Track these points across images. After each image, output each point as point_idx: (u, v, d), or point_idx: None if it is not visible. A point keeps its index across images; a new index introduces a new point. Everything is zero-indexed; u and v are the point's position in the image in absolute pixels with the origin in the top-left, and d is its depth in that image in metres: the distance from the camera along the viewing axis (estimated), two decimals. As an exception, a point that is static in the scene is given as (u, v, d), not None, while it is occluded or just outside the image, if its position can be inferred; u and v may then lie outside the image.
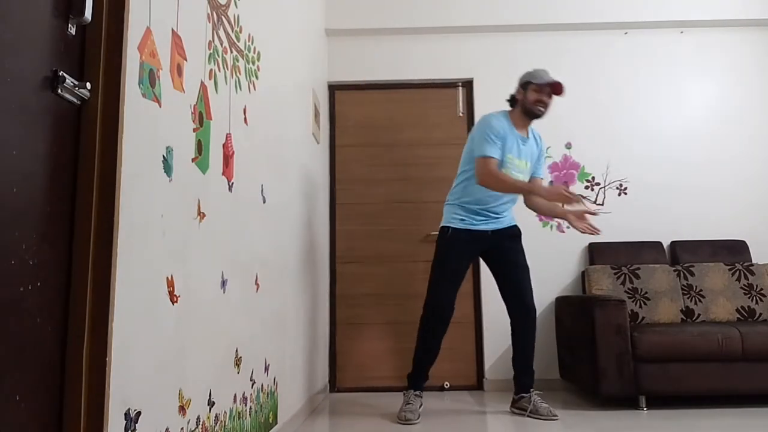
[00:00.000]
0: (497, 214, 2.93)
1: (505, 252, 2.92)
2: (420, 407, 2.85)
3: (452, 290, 2.85)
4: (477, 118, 3.89)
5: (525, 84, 2.92)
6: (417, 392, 2.89)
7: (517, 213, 3.83)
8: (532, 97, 2.87)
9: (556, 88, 2.86)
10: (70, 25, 1.10)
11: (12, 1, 0.94)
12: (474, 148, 2.87)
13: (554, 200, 2.85)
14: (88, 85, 1.11)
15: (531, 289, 2.91)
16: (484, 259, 3.01)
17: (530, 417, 2.81)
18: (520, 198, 3.05)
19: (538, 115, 2.91)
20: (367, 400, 3.42)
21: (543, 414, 2.78)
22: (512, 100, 2.98)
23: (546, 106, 2.89)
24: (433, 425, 2.71)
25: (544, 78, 2.86)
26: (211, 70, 1.67)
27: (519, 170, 2.91)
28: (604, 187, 3.90)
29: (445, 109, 4.01)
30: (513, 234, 2.97)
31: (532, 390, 2.89)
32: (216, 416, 1.63)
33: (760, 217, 3.84)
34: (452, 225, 2.90)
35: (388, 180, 3.93)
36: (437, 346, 2.88)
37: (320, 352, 3.47)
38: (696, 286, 3.50)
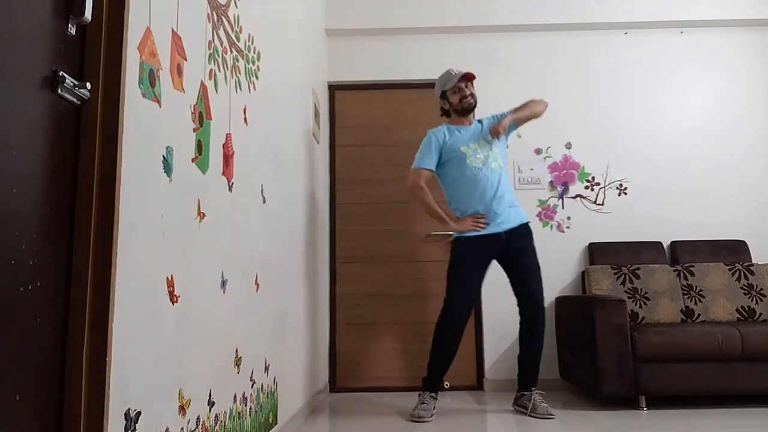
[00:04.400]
0: (498, 213, 2.94)
1: (517, 253, 2.94)
2: (434, 410, 2.88)
3: (463, 298, 2.87)
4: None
5: (442, 95, 3.15)
6: (432, 394, 2.92)
7: (517, 213, 3.86)
8: (455, 99, 3.09)
9: (467, 77, 3.06)
10: (70, 25, 1.10)
11: (12, 1, 0.94)
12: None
13: (462, 230, 2.96)
14: (88, 85, 1.11)
15: (541, 288, 2.92)
16: (499, 263, 3.00)
17: (531, 416, 2.82)
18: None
19: (471, 106, 3.08)
20: (367, 400, 3.42)
21: (539, 413, 2.80)
22: (444, 113, 3.18)
23: (471, 95, 3.09)
24: (434, 425, 2.71)
25: (453, 80, 3.07)
26: (211, 70, 1.67)
27: (479, 151, 3.00)
28: (604, 187, 3.90)
29: (445, 109, 4.01)
30: (524, 233, 2.98)
31: (533, 389, 2.90)
32: (216, 416, 1.63)
33: (761, 216, 3.84)
34: (462, 235, 2.97)
35: (388, 180, 3.93)
36: (452, 352, 2.90)
37: (320, 352, 3.47)
38: (696, 286, 3.49)
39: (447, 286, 2.92)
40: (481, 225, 2.92)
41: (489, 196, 2.94)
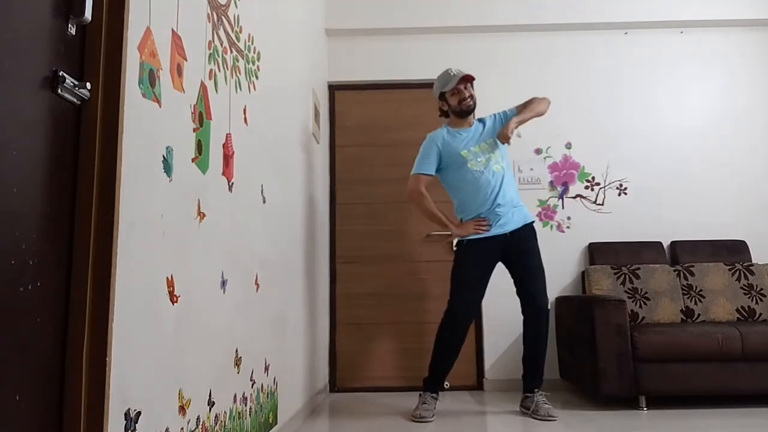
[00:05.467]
0: (500, 215, 2.91)
1: (521, 255, 2.92)
2: (435, 409, 2.87)
3: (465, 301, 2.86)
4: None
5: (441, 96, 3.09)
6: (433, 394, 2.91)
7: (517, 213, 3.86)
8: (454, 101, 3.03)
9: (466, 79, 3.01)
10: (70, 25, 1.10)
11: (12, 1, 0.94)
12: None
13: (464, 234, 2.95)
14: (88, 85, 1.11)
15: (543, 290, 2.90)
16: (504, 264, 2.98)
17: (532, 417, 2.82)
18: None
19: (470, 108, 3.04)
20: (367, 400, 3.42)
21: (540, 415, 2.79)
22: (443, 113, 3.14)
23: (470, 97, 3.04)
24: (434, 425, 2.71)
25: (452, 81, 3.00)
26: (211, 70, 1.67)
27: (480, 154, 2.97)
28: (604, 187, 3.90)
29: (445, 109, 4.00)
30: (528, 234, 2.96)
31: (536, 390, 2.90)
32: (216, 416, 1.63)
33: (761, 216, 3.84)
34: (466, 237, 2.95)
35: (388, 180, 3.92)
36: (454, 353, 2.89)
37: (320, 352, 3.47)
38: (696, 286, 3.49)
39: (450, 288, 2.91)
40: (484, 228, 2.90)
41: (491, 199, 2.92)
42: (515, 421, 2.78)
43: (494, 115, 3.12)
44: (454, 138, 3.01)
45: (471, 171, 2.94)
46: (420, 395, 2.93)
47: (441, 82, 3.06)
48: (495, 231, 2.90)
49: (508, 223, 2.92)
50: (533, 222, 3.02)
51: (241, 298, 1.89)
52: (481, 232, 2.90)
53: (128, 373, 1.16)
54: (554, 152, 3.93)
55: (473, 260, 2.90)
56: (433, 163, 3.00)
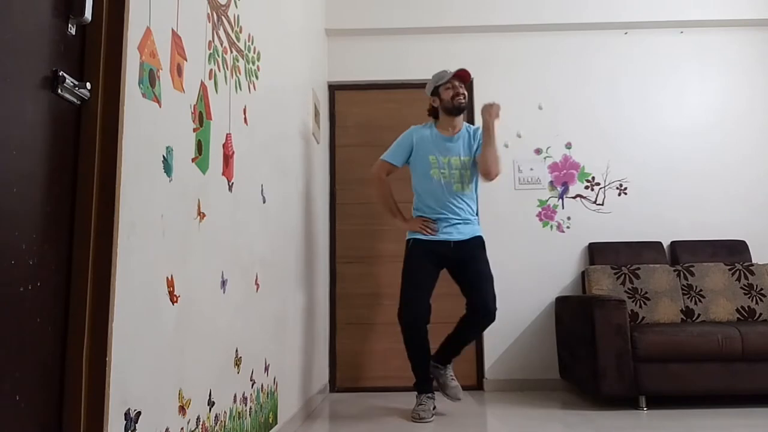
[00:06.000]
0: (448, 222, 2.92)
1: (468, 262, 2.91)
2: (434, 409, 2.86)
3: (419, 298, 2.86)
4: (477, 118, 3.89)
5: (434, 90, 3.06)
6: (428, 394, 2.91)
7: (516, 212, 3.86)
8: (447, 95, 2.99)
9: (461, 74, 2.99)
10: (70, 25, 1.10)
11: (12, 1, 0.94)
12: None
13: (410, 229, 3.02)
14: (88, 85, 1.11)
15: (494, 296, 2.87)
16: (450, 273, 2.98)
17: (442, 392, 2.95)
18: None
19: (462, 106, 2.99)
20: (366, 400, 3.43)
21: (449, 394, 2.93)
22: (432, 112, 3.11)
23: (463, 95, 2.99)
24: (434, 425, 2.71)
25: (447, 75, 3.00)
26: (211, 70, 1.67)
27: (446, 167, 2.96)
28: (604, 187, 3.90)
29: (445, 109, 4.00)
30: (476, 245, 2.96)
31: (449, 365, 2.98)
32: (216, 416, 1.63)
33: (761, 217, 3.83)
34: (414, 236, 2.99)
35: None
36: (423, 349, 2.89)
37: (320, 352, 3.47)
38: (696, 286, 3.49)
39: (400, 289, 2.93)
40: (428, 230, 2.93)
41: (441, 207, 2.94)
42: (515, 421, 2.78)
43: (480, 135, 3.00)
44: (432, 139, 3.00)
45: (432, 178, 2.96)
46: (416, 397, 2.93)
47: (436, 77, 3.06)
48: (441, 236, 2.92)
49: (454, 233, 2.93)
50: (481, 236, 2.99)
51: (240, 298, 1.89)
52: (425, 232, 2.93)
53: (128, 373, 1.16)
54: (554, 152, 3.93)
55: (417, 260, 2.93)
56: (402, 155, 3.06)
